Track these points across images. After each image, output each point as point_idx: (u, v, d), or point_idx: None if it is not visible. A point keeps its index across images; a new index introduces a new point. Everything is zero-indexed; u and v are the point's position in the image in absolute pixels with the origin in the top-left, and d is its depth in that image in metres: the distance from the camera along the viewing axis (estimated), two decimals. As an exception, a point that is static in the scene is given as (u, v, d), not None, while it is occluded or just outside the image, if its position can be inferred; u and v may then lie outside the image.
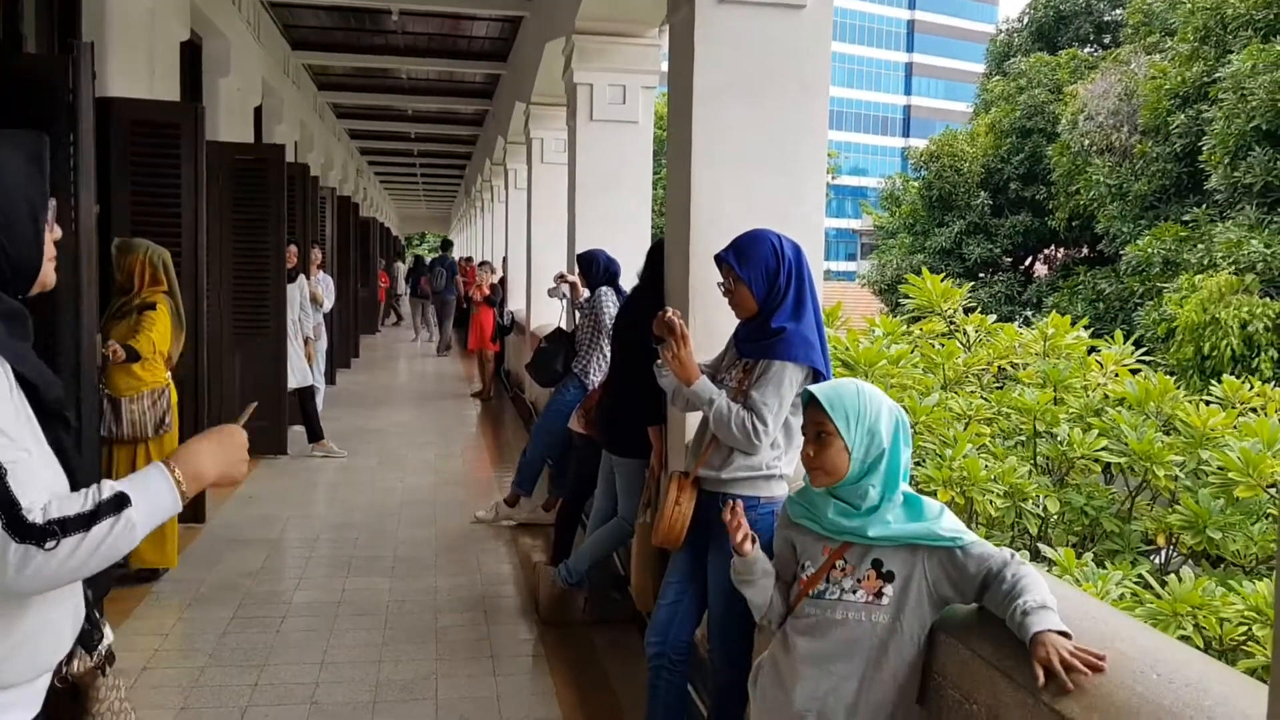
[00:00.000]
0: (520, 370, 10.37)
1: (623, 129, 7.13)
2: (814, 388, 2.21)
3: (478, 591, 5.12)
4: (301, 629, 4.56)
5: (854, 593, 2.13)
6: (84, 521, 1.33)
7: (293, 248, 8.50)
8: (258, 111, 11.50)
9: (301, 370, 8.58)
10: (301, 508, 6.75)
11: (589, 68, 7.05)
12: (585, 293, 6.06)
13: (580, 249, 7.10)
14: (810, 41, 4.00)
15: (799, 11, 3.96)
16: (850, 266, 71.46)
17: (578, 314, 6.38)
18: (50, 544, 1.29)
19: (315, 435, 8.60)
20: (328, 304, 9.72)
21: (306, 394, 8.66)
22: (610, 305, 5.79)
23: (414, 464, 8.27)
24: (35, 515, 1.30)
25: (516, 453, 8.57)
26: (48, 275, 1.42)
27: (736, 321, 3.11)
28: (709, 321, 3.75)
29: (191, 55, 8.93)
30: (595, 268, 5.95)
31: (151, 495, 1.41)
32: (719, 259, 3.06)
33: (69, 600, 1.48)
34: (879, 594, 2.11)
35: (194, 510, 6.00)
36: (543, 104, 9.82)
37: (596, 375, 5.87)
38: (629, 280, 5.79)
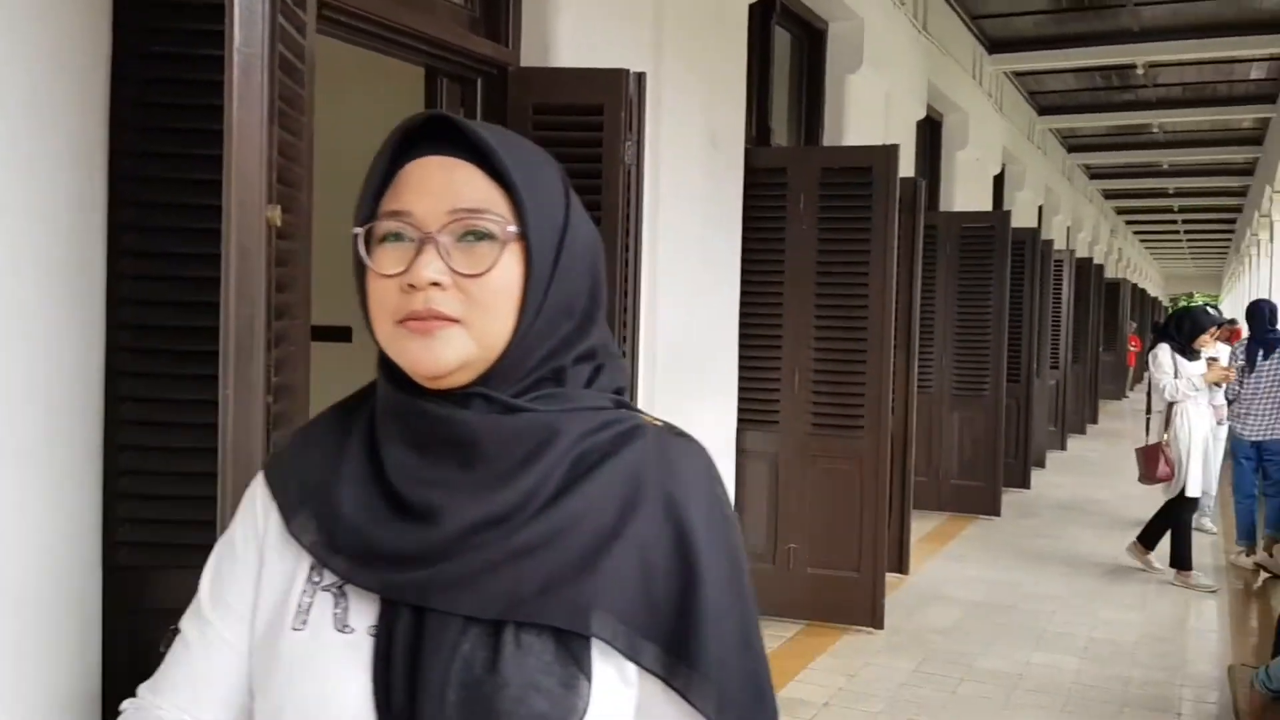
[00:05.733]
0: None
1: None
2: None
3: (1175, 692, 4.62)
4: (976, 694, 4.55)
5: None
6: None
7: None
8: (1000, 179, 11.77)
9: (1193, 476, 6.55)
10: (1005, 571, 6.68)
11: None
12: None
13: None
14: None
15: None
16: None
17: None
18: None
19: (1178, 559, 6.61)
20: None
21: (1185, 505, 6.61)
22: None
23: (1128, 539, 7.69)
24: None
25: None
26: None
27: None
28: None
29: (932, 131, 9.49)
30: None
31: None
32: None
33: None
34: None
35: (899, 561, 6.29)
36: (1314, 146, 8.59)
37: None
38: None
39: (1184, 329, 6.77)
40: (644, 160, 3.76)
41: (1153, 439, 6.76)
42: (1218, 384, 6.74)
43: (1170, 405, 6.66)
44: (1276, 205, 11.49)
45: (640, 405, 4.06)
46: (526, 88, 3.73)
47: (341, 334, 4.77)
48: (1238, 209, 21.41)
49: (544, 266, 0.88)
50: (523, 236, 0.86)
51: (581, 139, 3.70)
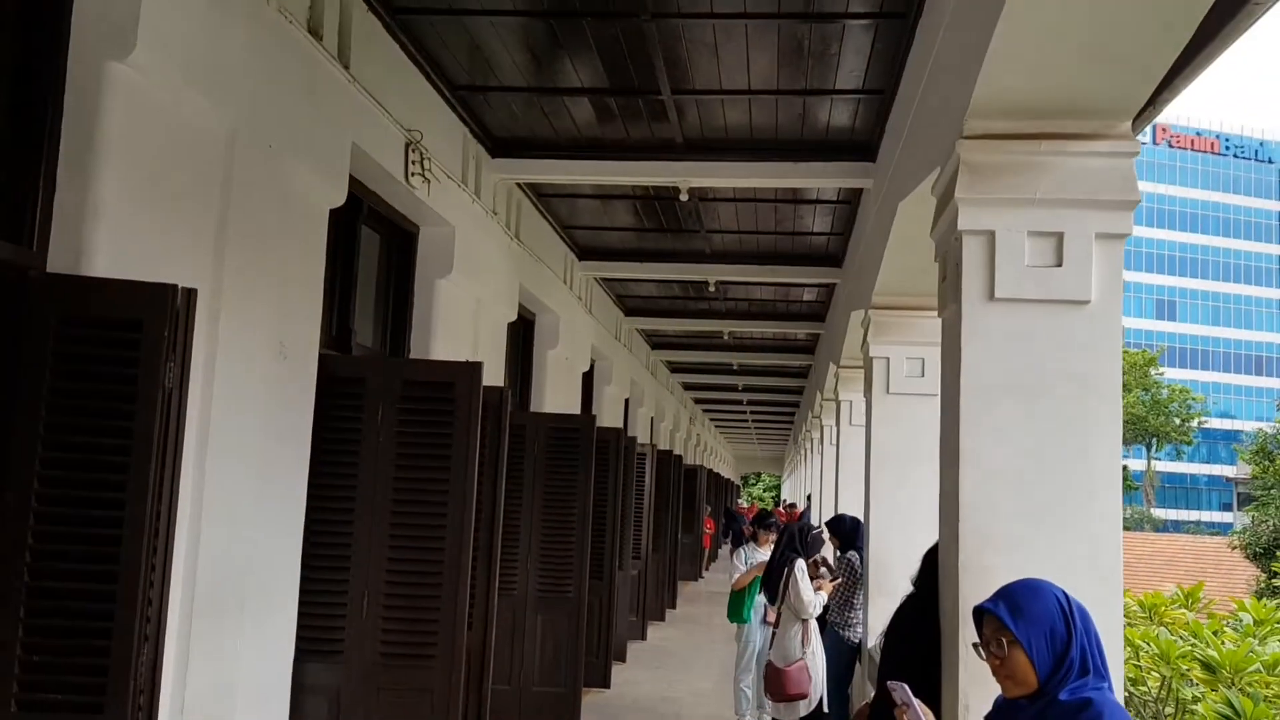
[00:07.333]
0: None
1: (921, 402, 6.81)
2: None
3: None
4: None
5: None
6: None
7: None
8: (590, 374, 12.27)
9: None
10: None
11: (885, 340, 6.89)
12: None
13: (876, 521, 6.80)
14: (1096, 339, 3.63)
15: (1082, 308, 3.62)
16: (1226, 518, 64.40)
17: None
18: None
19: None
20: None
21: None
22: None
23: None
24: None
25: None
26: None
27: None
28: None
29: (524, 330, 9.71)
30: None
31: None
32: (980, 612, 2.51)
33: None
34: None
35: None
36: (850, 368, 9.70)
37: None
38: None
39: (808, 545, 7.06)
40: (188, 381, 3.38)
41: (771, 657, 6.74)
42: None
43: (804, 622, 6.67)
44: (827, 410, 12.83)
45: (175, 641, 3.50)
46: (52, 297, 3.27)
47: None
48: (796, 404, 23.94)
49: None
50: None
51: (115, 357, 3.27)
